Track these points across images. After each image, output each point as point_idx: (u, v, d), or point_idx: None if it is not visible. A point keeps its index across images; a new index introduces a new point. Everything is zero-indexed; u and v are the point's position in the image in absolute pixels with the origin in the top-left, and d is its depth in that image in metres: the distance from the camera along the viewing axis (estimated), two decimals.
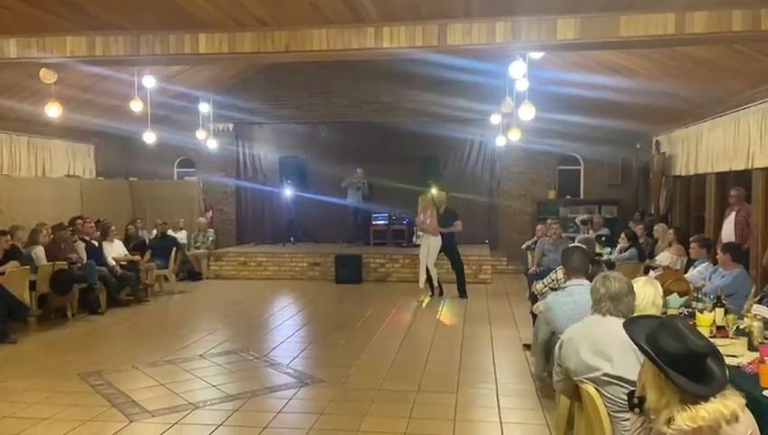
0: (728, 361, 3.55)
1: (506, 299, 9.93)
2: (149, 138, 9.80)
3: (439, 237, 9.92)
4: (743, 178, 8.17)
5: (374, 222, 13.73)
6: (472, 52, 5.70)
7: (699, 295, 5.05)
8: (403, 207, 13.37)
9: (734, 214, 7.99)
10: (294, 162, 13.76)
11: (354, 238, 13.38)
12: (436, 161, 13.50)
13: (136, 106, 8.67)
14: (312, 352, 7.01)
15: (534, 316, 6.07)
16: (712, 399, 2.11)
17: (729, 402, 2.12)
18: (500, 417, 4.81)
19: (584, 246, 5.59)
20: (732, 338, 4.11)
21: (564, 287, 4.49)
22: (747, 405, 2.66)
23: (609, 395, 2.91)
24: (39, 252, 8.29)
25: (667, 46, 6.19)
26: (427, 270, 10.03)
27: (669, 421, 2.17)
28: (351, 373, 5.96)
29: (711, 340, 4.05)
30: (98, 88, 9.72)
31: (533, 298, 6.68)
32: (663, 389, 2.20)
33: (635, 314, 2.98)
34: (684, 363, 2.16)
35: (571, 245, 6.47)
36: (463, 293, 10.02)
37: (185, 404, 5.05)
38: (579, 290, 4.16)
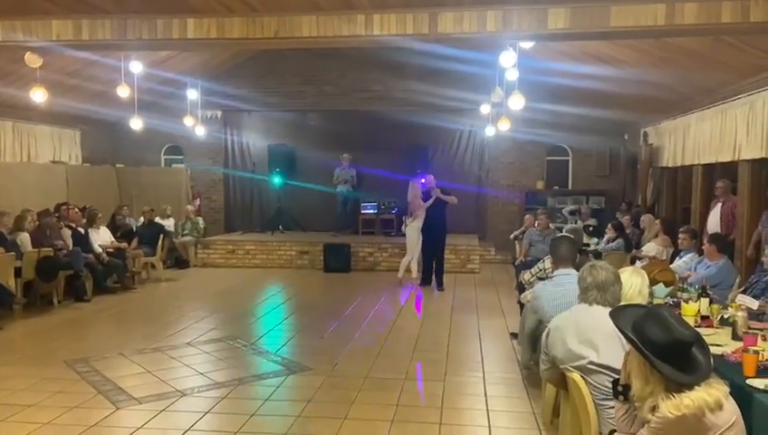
0: (712, 350, 3.59)
1: (494, 289, 9.98)
2: (136, 124, 9.70)
3: (416, 224, 9.93)
4: (729, 170, 8.24)
5: (363, 211, 13.72)
6: (462, 40, 5.69)
7: (685, 286, 5.10)
8: (392, 196, 13.38)
9: (719, 205, 8.07)
10: (283, 150, 13.69)
11: (343, 227, 13.36)
12: (425, 151, 13.49)
13: (123, 92, 8.57)
14: (299, 340, 7.01)
15: (521, 306, 6.11)
16: (696, 387, 2.15)
17: (713, 391, 2.15)
18: (487, 405, 4.84)
19: (572, 236, 5.61)
20: (716, 328, 4.16)
21: (552, 277, 4.52)
22: (731, 393, 2.70)
23: (594, 383, 2.94)
24: (24, 238, 8.21)
25: (656, 37, 6.21)
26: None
27: (654, 409, 2.20)
28: (339, 361, 5.97)
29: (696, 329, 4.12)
30: (84, 73, 9.60)
31: (521, 288, 6.71)
32: (648, 377, 2.23)
33: (622, 304, 3.00)
34: (669, 352, 2.19)
35: (558, 235, 6.50)
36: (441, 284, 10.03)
37: (172, 391, 5.04)
38: (566, 280, 4.18)
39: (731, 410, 2.18)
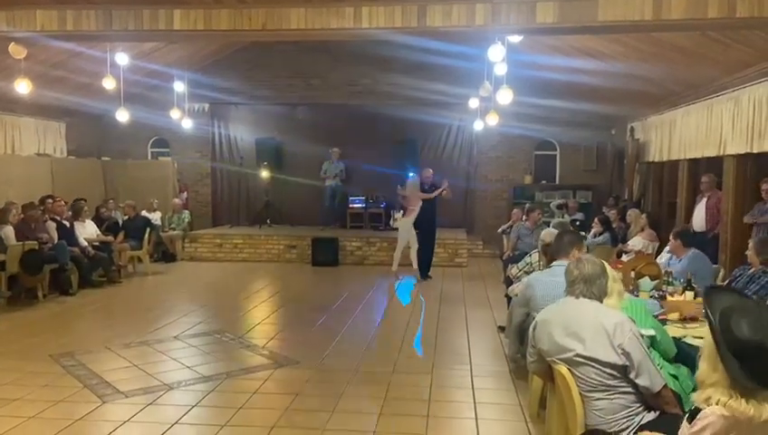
0: (697, 342, 3.64)
1: (482, 282, 10.01)
2: (122, 116, 9.60)
3: (409, 218, 10.05)
4: (714, 165, 8.32)
5: (351, 205, 13.71)
6: (451, 34, 5.68)
7: (670, 279, 5.15)
8: (380, 190, 13.38)
9: (705, 200, 8.15)
10: (271, 144, 13.63)
11: (331, 221, 13.35)
12: (413, 145, 13.49)
13: (108, 84, 8.47)
14: (287, 333, 7.00)
15: (509, 299, 6.14)
16: (759, 396, 2.05)
17: None
18: (474, 397, 4.86)
19: (571, 229, 5.65)
20: (701, 321, 4.20)
21: (550, 266, 4.53)
22: None
23: (581, 375, 2.96)
24: (8, 232, 8.12)
25: (644, 32, 6.25)
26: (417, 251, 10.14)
27: (707, 401, 2.12)
28: (327, 355, 5.97)
29: (680, 322, 4.16)
30: (69, 64, 9.49)
31: (508, 282, 6.75)
32: (715, 365, 2.13)
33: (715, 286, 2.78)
34: (747, 352, 2.07)
35: (546, 229, 6.52)
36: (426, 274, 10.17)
37: (159, 385, 5.02)
38: (561, 271, 4.19)
39: None
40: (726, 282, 5.38)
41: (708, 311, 2.22)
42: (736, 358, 2.07)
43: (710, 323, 2.18)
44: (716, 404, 2.07)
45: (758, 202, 7.02)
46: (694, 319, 4.21)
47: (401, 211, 13.23)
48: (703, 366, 2.19)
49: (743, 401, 2.04)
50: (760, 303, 2.41)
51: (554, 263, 4.45)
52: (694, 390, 3.35)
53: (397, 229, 13.02)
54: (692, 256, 5.72)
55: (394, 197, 13.27)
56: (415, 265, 10.18)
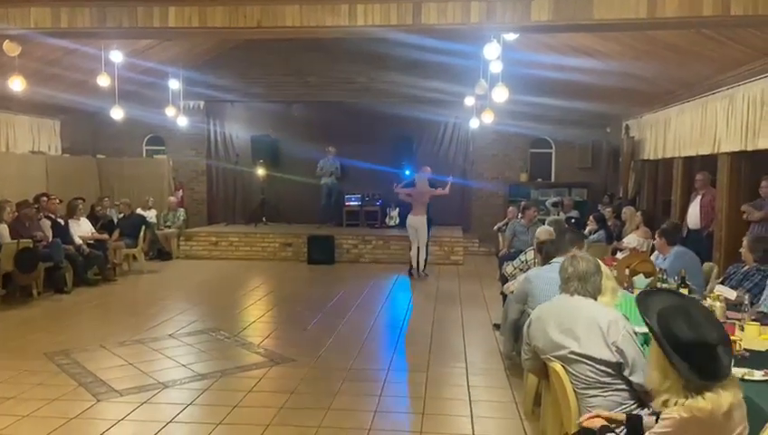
0: None
1: (477, 280, 10.03)
2: (117, 114, 9.57)
3: (425, 217, 10.09)
4: (708, 163, 8.34)
5: (347, 203, 13.70)
6: (446, 31, 5.66)
7: (664, 276, 5.16)
8: (376, 188, 13.38)
9: (699, 198, 8.17)
10: (267, 141, 13.60)
11: (327, 219, 13.34)
12: (409, 143, 13.49)
13: (103, 81, 8.45)
14: (283, 332, 7.00)
15: (504, 297, 6.14)
16: (713, 388, 2.09)
17: (728, 395, 2.10)
18: (469, 395, 4.87)
19: (572, 228, 5.66)
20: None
21: (550, 263, 4.53)
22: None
23: (575, 373, 2.97)
24: (3, 229, 8.09)
25: (638, 30, 6.26)
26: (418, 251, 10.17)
27: (665, 403, 2.16)
28: (323, 353, 5.97)
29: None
30: (64, 62, 9.45)
31: (504, 279, 6.76)
32: (666, 372, 2.17)
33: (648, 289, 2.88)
34: (692, 352, 2.11)
35: (542, 227, 6.53)
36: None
37: (154, 383, 5.01)
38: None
39: (741, 417, 2.14)
40: (721, 279, 5.40)
41: (645, 318, 2.26)
42: (684, 360, 2.10)
43: (652, 331, 2.22)
44: (675, 406, 2.11)
45: (757, 199, 7.03)
46: None
47: (397, 209, 13.29)
48: (653, 374, 2.23)
49: (699, 398, 2.08)
50: (686, 298, 2.46)
51: (554, 260, 4.44)
52: None
53: (392, 227, 13.13)
54: (676, 254, 5.72)
55: (390, 195, 13.31)
56: (414, 263, 10.18)
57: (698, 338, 2.13)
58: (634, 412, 2.82)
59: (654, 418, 2.32)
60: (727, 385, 2.12)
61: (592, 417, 2.65)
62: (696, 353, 2.11)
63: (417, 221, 10.14)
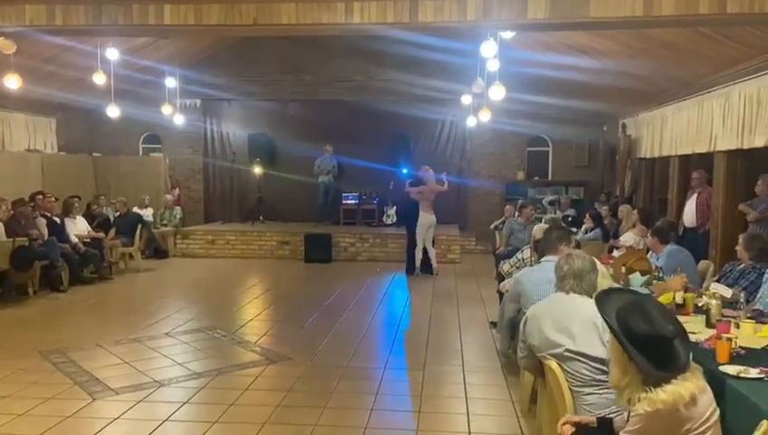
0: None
1: (474, 278, 10.03)
2: (113, 112, 9.55)
3: (434, 216, 10.12)
4: (705, 161, 8.35)
5: (344, 201, 13.69)
6: (443, 29, 5.66)
7: (660, 274, 5.16)
8: (373, 186, 13.38)
9: (695, 196, 8.19)
10: (264, 140, 13.59)
11: (324, 217, 13.33)
12: (406, 141, 13.49)
13: (99, 79, 8.43)
14: (279, 330, 6.99)
15: (501, 295, 6.14)
16: (673, 381, 2.14)
17: (689, 385, 2.15)
18: (465, 393, 4.87)
19: (563, 225, 5.65)
20: (691, 315, 4.22)
21: (540, 262, 4.54)
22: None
23: (571, 370, 2.97)
24: None
25: (635, 28, 6.26)
26: (424, 251, 10.18)
27: (630, 401, 2.21)
28: (319, 351, 5.97)
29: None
30: (60, 59, 9.42)
31: (501, 278, 6.75)
32: (626, 368, 2.22)
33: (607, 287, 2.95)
34: (649, 345, 2.18)
35: (538, 225, 6.54)
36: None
37: (150, 382, 5.00)
38: (551, 266, 4.19)
39: (706, 405, 2.19)
40: (717, 277, 5.40)
41: (604, 317, 2.33)
42: (642, 354, 2.16)
43: (611, 329, 2.28)
44: (638, 402, 2.15)
45: (754, 199, 7.05)
46: (683, 312, 4.23)
47: (394, 207, 13.29)
48: (614, 371, 2.29)
49: (659, 391, 2.13)
50: (641, 295, 2.52)
51: (543, 259, 4.45)
52: None
53: (389, 226, 13.13)
54: (669, 253, 5.73)
55: (387, 193, 13.32)
56: (418, 264, 10.18)
57: (654, 332, 2.19)
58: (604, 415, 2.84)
59: (625, 416, 2.35)
60: (688, 376, 2.18)
61: (563, 424, 2.67)
62: (653, 347, 2.18)
63: (431, 220, 10.16)
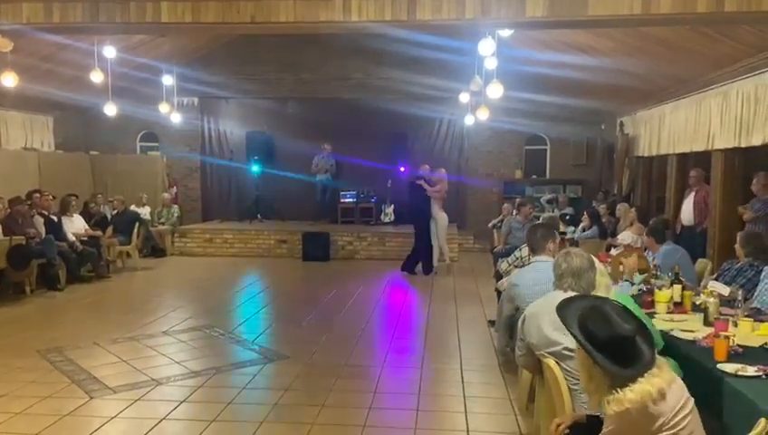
0: (684, 335, 3.66)
1: (472, 277, 10.03)
2: (111, 110, 9.54)
3: (445, 214, 10.16)
4: (702, 160, 8.36)
5: (342, 200, 13.68)
6: (441, 27, 5.64)
7: (658, 273, 5.17)
8: (371, 184, 13.36)
9: (693, 194, 8.20)
10: (262, 138, 13.57)
11: (322, 216, 13.32)
12: (404, 139, 13.48)
13: (96, 77, 8.41)
14: (277, 328, 6.99)
15: (499, 293, 6.14)
16: (639, 379, 2.17)
17: (656, 380, 2.17)
18: (463, 391, 4.87)
19: (550, 223, 5.65)
20: (689, 313, 4.23)
21: (531, 262, 4.54)
22: (701, 378, 2.74)
23: (569, 369, 2.97)
24: None
25: (633, 26, 6.26)
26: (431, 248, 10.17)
27: (600, 405, 2.24)
28: (317, 350, 5.96)
29: (667, 315, 4.18)
30: (57, 58, 9.40)
31: (498, 276, 6.75)
32: (592, 372, 2.26)
33: (569, 296, 2.94)
34: (612, 347, 2.21)
35: (535, 223, 6.54)
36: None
37: (147, 380, 5.00)
38: (542, 267, 4.20)
39: (677, 395, 2.20)
40: (715, 276, 5.41)
41: (568, 327, 2.38)
42: (607, 357, 2.20)
43: (575, 337, 2.32)
44: (608, 404, 2.18)
45: (752, 199, 7.05)
46: (681, 311, 4.23)
47: (392, 206, 13.29)
48: (582, 377, 2.34)
49: (626, 391, 2.16)
50: (599, 298, 2.56)
51: (534, 259, 4.45)
52: None
53: (387, 224, 13.13)
54: (665, 252, 5.75)
55: (385, 191, 13.31)
56: (436, 262, 10.17)
57: (613, 333, 2.23)
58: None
59: None
60: (656, 371, 2.20)
61: (556, 428, 2.67)
62: (616, 348, 2.22)
63: (443, 216, 10.22)
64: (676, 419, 2.17)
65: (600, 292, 3.17)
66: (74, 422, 4.21)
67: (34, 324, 6.90)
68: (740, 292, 4.18)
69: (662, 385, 2.17)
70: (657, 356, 2.30)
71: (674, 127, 9.05)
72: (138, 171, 12.68)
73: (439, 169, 10.44)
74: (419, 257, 10.17)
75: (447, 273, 10.31)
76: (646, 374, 2.18)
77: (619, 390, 2.17)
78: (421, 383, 5.02)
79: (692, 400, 2.26)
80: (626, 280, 5.06)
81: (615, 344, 2.21)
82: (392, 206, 13.39)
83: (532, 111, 12.39)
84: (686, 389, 2.27)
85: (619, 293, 3.96)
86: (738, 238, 5.14)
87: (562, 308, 2.49)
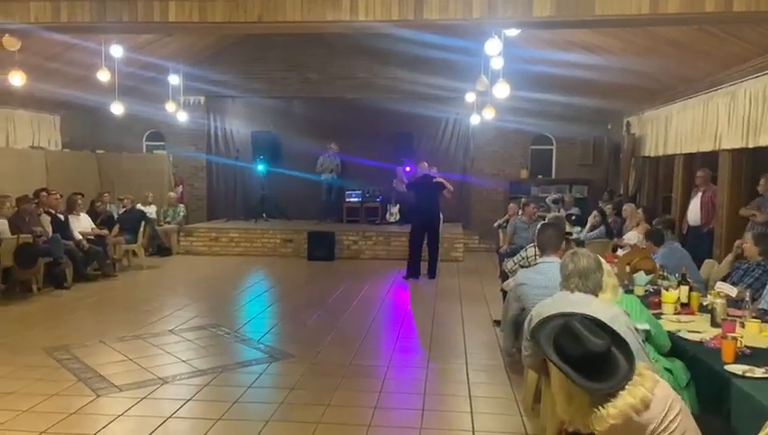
0: (692, 336, 3.65)
1: (478, 277, 10.02)
2: (117, 109, 9.57)
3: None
4: (709, 160, 8.33)
5: (347, 199, 13.69)
6: (448, 27, 5.64)
7: (665, 273, 5.15)
8: (377, 184, 13.36)
9: (700, 194, 8.17)
10: (267, 137, 13.58)
11: (327, 215, 13.33)
12: (410, 139, 13.48)
13: (103, 76, 8.44)
14: (283, 327, 6.99)
15: (505, 293, 6.13)
16: (620, 392, 2.14)
17: (638, 390, 2.15)
18: (469, 391, 4.87)
19: (559, 223, 5.64)
20: (696, 314, 4.21)
21: (535, 264, 4.52)
22: (709, 379, 2.72)
23: None
24: (2, 225, 8.07)
25: (641, 26, 6.24)
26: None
27: (585, 426, 2.21)
28: (323, 349, 5.97)
29: (674, 316, 4.16)
30: (64, 57, 9.43)
31: (504, 276, 6.75)
32: (571, 393, 2.23)
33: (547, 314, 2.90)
34: (586, 364, 2.19)
35: (542, 222, 6.52)
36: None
37: (153, 379, 5.01)
38: (548, 268, 4.18)
39: (662, 399, 2.18)
40: (723, 276, 5.39)
41: (544, 352, 2.34)
42: (584, 375, 2.17)
43: (550, 360, 2.29)
44: (592, 425, 2.16)
45: (758, 198, 7.02)
46: (688, 311, 4.22)
47: (397, 205, 13.30)
48: (559, 401, 2.30)
49: (608, 407, 2.13)
50: (567, 315, 2.49)
51: (541, 259, 4.43)
52: (688, 384, 3.37)
53: (392, 224, 13.13)
54: (664, 253, 5.74)
55: (390, 191, 13.31)
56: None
57: (585, 350, 2.20)
58: None
59: None
60: (637, 380, 2.18)
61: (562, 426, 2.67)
62: (592, 365, 2.19)
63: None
64: (666, 422, 2.15)
65: (607, 292, 3.15)
66: (81, 420, 4.23)
67: (41, 322, 6.93)
68: (747, 292, 4.16)
69: (645, 394, 2.14)
70: (639, 363, 2.27)
71: (681, 127, 9.01)
72: (144, 170, 12.71)
73: (422, 165, 10.37)
74: (419, 260, 9.99)
75: (453, 273, 10.30)
76: (627, 386, 2.15)
77: (600, 407, 2.14)
78: (427, 383, 5.02)
79: (679, 398, 2.24)
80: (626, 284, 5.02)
81: (588, 361, 2.18)
82: (397, 205, 13.39)
83: (538, 111, 12.37)
84: (671, 389, 2.25)
85: (625, 296, 3.94)
86: (750, 238, 5.12)
87: (536, 332, 2.46)
